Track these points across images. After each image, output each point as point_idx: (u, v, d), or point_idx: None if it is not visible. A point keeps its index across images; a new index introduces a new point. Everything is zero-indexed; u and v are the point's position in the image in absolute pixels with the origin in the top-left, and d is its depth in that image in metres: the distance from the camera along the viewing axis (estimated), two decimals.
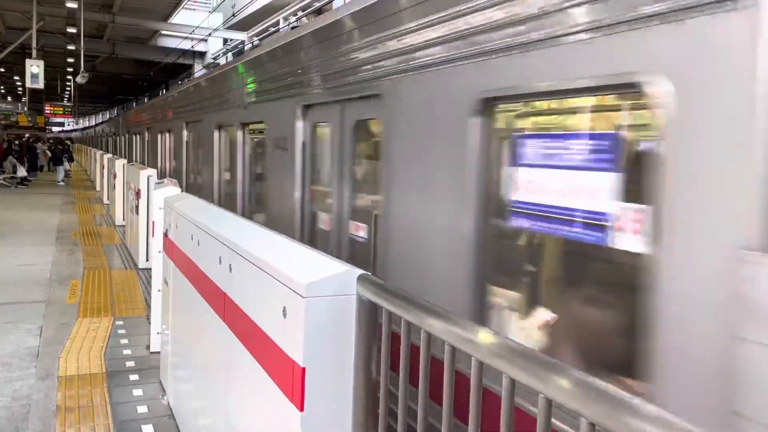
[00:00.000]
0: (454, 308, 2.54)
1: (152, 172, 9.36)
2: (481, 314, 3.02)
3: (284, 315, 2.27)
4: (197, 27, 25.63)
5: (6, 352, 5.82)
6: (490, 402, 1.82)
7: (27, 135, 34.22)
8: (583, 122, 2.70)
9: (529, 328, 2.91)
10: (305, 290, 2.11)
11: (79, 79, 25.08)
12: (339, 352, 2.16)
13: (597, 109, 2.64)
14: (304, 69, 5.03)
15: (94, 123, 71.10)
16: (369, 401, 2.15)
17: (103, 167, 19.43)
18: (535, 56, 2.63)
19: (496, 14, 2.86)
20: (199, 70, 27.71)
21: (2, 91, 50.97)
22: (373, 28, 3.98)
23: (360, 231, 4.31)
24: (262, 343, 2.50)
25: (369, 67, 4.04)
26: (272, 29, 20.79)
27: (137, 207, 9.76)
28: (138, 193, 9.65)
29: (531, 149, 2.85)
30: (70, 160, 35.85)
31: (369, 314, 2.13)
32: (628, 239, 2.34)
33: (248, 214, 6.85)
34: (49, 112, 46.29)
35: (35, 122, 46.34)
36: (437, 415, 1.82)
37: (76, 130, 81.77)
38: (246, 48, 23.86)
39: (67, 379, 5.17)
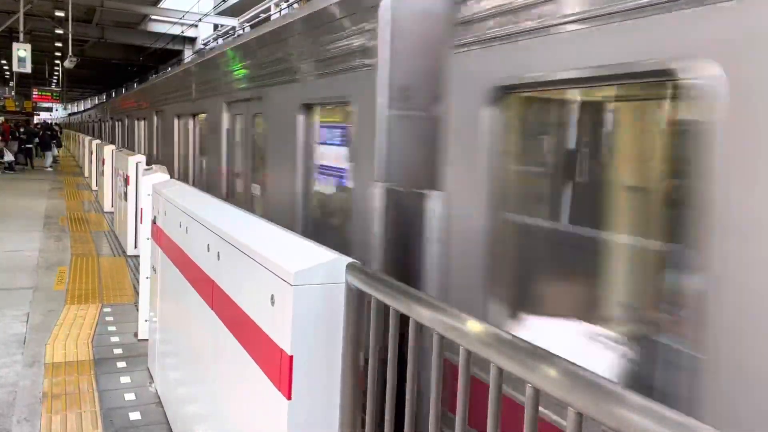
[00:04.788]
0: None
1: (141, 158, 9.29)
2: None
3: (272, 303, 2.26)
4: (187, 12, 25.38)
5: None
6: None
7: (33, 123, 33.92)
8: None
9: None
10: (293, 278, 2.10)
11: (67, 64, 24.77)
12: (327, 340, 2.15)
13: None
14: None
15: (80, 109, 70.15)
16: (357, 390, 2.15)
17: (91, 153, 19.27)
18: None
19: None
20: (188, 56, 27.47)
21: None
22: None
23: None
24: (250, 331, 2.49)
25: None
26: (263, 15, 20.61)
27: (126, 193, 9.70)
28: (127, 180, 9.57)
29: None
30: (59, 146, 35.52)
31: (357, 303, 2.12)
32: None
33: (197, 169, 8.76)
34: (37, 96, 45.69)
35: (23, 107, 45.80)
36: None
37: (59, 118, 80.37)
38: (237, 33, 23.65)
39: (54, 366, 5.14)
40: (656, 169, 2.07)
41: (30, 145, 26.87)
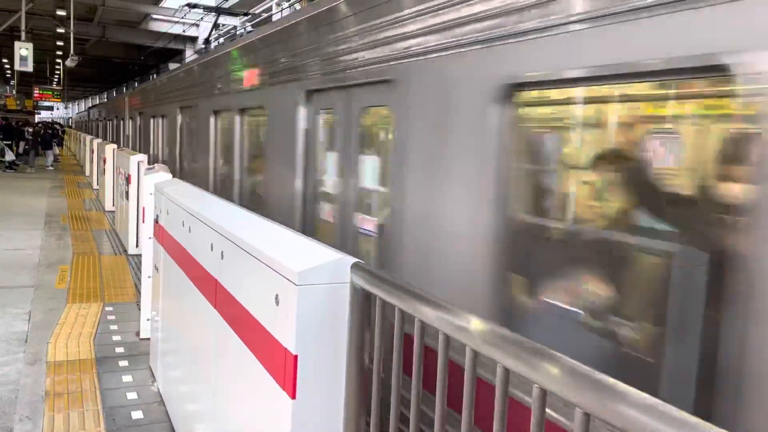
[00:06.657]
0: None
1: (143, 157, 9.30)
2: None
3: (277, 302, 2.26)
4: (188, 11, 25.34)
5: None
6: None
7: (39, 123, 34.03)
8: None
9: None
10: (298, 278, 2.10)
11: (69, 63, 24.79)
12: (332, 340, 2.16)
13: None
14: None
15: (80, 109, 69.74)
16: (361, 390, 2.15)
17: (92, 152, 19.27)
18: None
19: None
20: (189, 55, 27.46)
21: None
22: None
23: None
24: (254, 330, 2.49)
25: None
26: (264, 15, 20.62)
27: (127, 192, 9.70)
28: (128, 179, 9.58)
29: None
30: (60, 144, 35.52)
31: (362, 302, 2.12)
32: None
33: (181, 155, 10.64)
34: (38, 95, 45.66)
35: (24, 105, 45.81)
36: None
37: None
38: (239, 33, 23.65)
39: (56, 365, 5.14)
40: None
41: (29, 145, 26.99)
